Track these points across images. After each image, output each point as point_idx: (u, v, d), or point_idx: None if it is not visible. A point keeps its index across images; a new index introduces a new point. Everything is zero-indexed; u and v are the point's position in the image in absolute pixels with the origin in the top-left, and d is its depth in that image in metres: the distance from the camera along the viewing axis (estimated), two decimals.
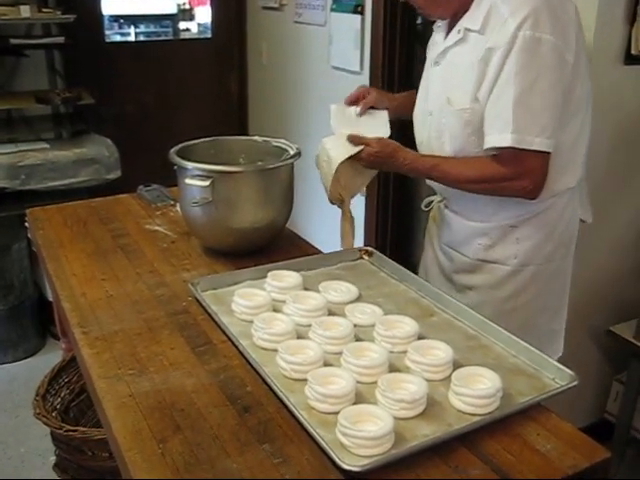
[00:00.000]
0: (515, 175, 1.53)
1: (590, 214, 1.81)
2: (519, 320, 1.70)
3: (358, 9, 3.03)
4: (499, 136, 1.50)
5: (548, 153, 1.51)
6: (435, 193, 1.85)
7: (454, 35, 1.61)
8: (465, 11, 1.58)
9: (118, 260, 1.71)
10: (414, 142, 1.79)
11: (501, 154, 1.53)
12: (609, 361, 2.57)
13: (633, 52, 2.06)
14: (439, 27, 1.73)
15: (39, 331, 3.39)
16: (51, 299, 2.25)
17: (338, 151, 1.69)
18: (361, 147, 1.67)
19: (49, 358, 3.14)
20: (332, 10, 3.22)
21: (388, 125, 1.78)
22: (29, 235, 2.03)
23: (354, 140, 1.69)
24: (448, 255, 1.81)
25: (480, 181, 1.59)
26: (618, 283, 2.43)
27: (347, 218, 1.82)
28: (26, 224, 2.04)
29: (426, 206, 1.89)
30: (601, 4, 1.97)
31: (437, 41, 1.71)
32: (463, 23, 1.58)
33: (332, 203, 1.80)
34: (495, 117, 1.51)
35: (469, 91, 1.55)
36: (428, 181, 1.80)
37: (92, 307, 1.46)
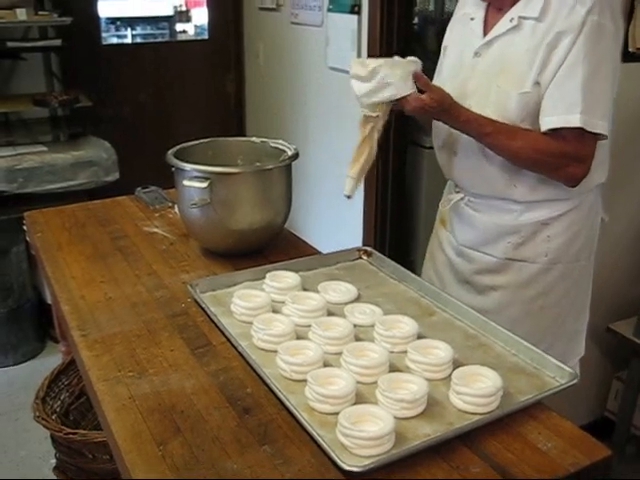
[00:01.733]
0: (576, 156, 1.53)
1: (606, 213, 1.80)
2: (548, 320, 1.70)
3: (355, 9, 3.02)
4: (567, 117, 1.50)
5: (605, 138, 1.54)
6: (454, 191, 1.79)
7: (505, 24, 1.59)
8: (512, 0, 1.59)
9: (117, 262, 1.71)
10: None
11: (565, 134, 1.52)
12: (609, 359, 2.57)
13: (630, 49, 2.06)
14: (472, 20, 1.70)
15: (38, 334, 3.39)
16: (50, 302, 2.25)
17: (400, 84, 1.52)
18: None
19: (48, 361, 3.14)
20: (329, 10, 3.22)
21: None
22: (27, 238, 2.02)
23: (420, 80, 1.52)
24: (467, 257, 1.76)
25: (540, 153, 1.55)
26: (618, 281, 2.43)
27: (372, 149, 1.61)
28: (24, 227, 2.04)
29: (443, 205, 1.83)
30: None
31: (476, 32, 1.67)
32: (517, 12, 1.57)
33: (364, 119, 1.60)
34: (561, 99, 1.51)
35: (529, 76, 1.54)
36: (448, 176, 1.78)
37: (91, 309, 1.46)
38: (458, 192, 1.77)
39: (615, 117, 2.14)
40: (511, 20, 1.58)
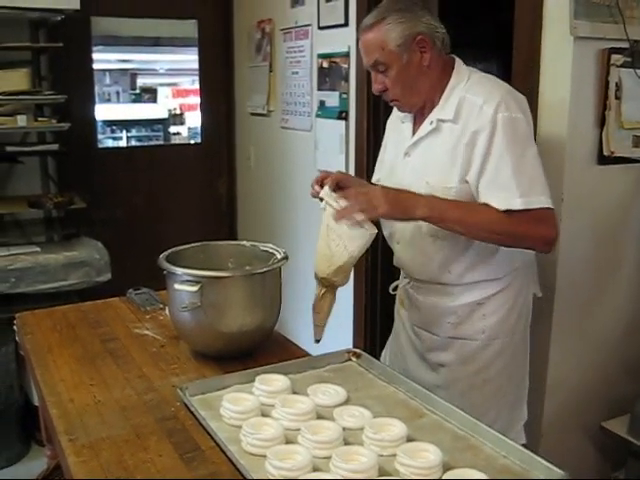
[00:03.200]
0: (535, 223, 1.62)
1: (539, 289, 1.95)
2: (491, 391, 1.83)
3: (342, 115, 3.15)
4: (508, 201, 1.60)
5: (551, 210, 1.64)
6: (399, 277, 1.97)
7: (426, 127, 1.76)
8: (432, 105, 1.75)
9: (107, 365, 1.71)
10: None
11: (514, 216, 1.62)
12: (605, 458, 2.54)
13: (605, 153, 2.15)
14: (403, 123, 1.87)
15: (23, 437, 3.30)
16: (37, 404, 2.23)
17: (354, 243, 1.65)
18: (374, 231, 1.65)
19: (33, 466, 3.05)
20: (317, 116, 3.35)
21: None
22: (17, 339, 2.03)
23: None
24: (419, 335, 1.90)
25: (503, 232, 1.64)
26: (608, 379, 2.43)
27: (332, 299, 1.79)
28: (14, 327, 2.04)
29: (393, 290, 2.01)
30: (571, 109, 2.08)
31: (405, 135, 1.85)
32: (435, 115, 1.74)
33: (321, 283, 1.77)
34: (498, 189, 1.63)
35: (454, 173, 1.68)
36: (395, 263, 1.93)
37: (79, 413, 1.46)
38: (405, 277, 1.93)
39: (592, 216, 2.23)
40: (431, 123, 1.75)
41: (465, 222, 1.64)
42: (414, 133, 1.82)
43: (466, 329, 1.81)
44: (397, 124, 1.92)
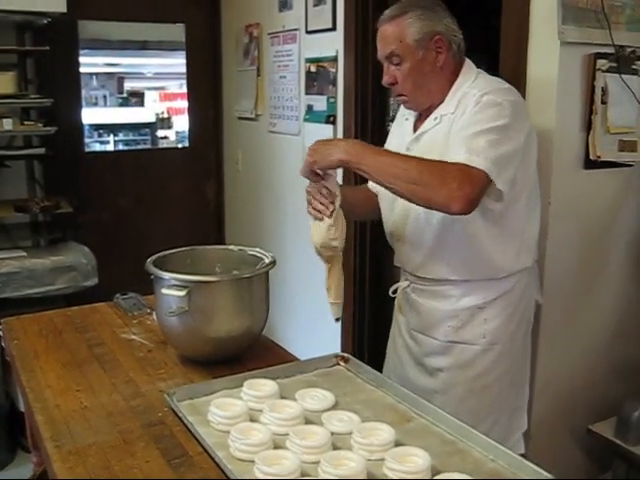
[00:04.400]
0: (455, 177, 1.53)
1: (541, 295, 1.96)
2: (489, 397, 1.82)
3: (330, 119, 3.16)
4: (453, 156, 1.58)
5: (488, 179, 1.56)
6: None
7: (430, 122, 1.78)
8: (440, 103, 1.76)
9: (93, 370, 1.70)
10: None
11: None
12: (592, 460, 2.55)
13: (591, 157, 2.16)
14: (407, 120, 1.89)
15: (9, 444, 3.27)
16: (23, 410, 2.21)
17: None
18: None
19: (19, 472, 3.03)
20: (305, 120, 3.36)
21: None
22: (3, 344, 2.01)
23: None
24: (417, 340, 1.89)
25: (422, 169, 1.56)
26: (595, 382, 2.44)
27: (339, 273, 1.78)
28: (0, 333, 2.02)
29: (393, 292, 1.97)
30: (558, 113, 2.09)
31: (407, 131, 1.86)
32: (439, 112, 1.76)
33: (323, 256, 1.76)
34: (452, 145, 1.63)
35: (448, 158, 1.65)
36: (396, 262, 1.93)
37: (66, 419, 1.44)
38: (406, 280, 1.91)
39: (580, 220, 2.24)
40: (435, 119, 1.76)
41: (380, 169, 1.58)
42: (415, 130, 1.83)
43: (466, 333, 1.80)
44: (401, 121, 1.93)
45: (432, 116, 1.78)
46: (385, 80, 1.78)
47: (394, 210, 1.86)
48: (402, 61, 1.73)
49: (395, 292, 1.97)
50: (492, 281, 1.77)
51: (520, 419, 1.91)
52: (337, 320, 1.79)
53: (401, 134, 1.90)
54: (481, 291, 1.77)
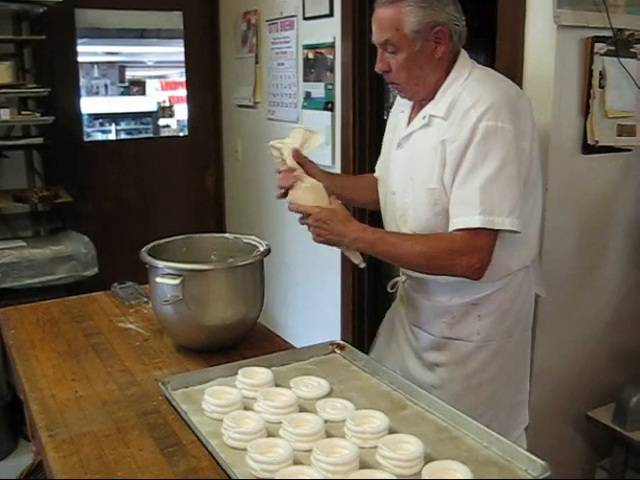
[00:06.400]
0: (462, 250, 1.57)
1: (544, 289, 1.91)
2: (486, 394, 1.78)
3: (328, 106, 3.14)
4: (467, 218, 1.56)
5: (517, 232, 1.59)
6: (399, 274, 1.91)
7: (419, 121, 1.71)
8: (431, 98, 1.68)
9: (89, 359, 1.70)
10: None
11: (457, 233, 1.59)
12: (591, 447, 2.55)
13: (589, 142, 2.15)
14: (402, 112, 1.82)
15: (11, 432, 3.29)
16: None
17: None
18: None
19: (21, 460, 3.03)
20: (303, 107, 3.34)
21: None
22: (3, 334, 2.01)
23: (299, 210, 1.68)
24: (415, 334, 1.86)
25: (425, 253, 1.61)
26: (593, 368, 2.44)
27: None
28: None
29: (392, 287, 1.95)
30: (556, 98, 2.07)
31: (401, 125, 1.80)
32: (428, 110, 1.68)
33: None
34: (461, 202, 1.58)
35: (436, 171, 1.63)
36: None
37: (61, 409, 1.45)
38: (403, 274, 1.88)
39: (579, 205, 2.23)
40: (423, 118, 1.69)
41: (391, 256, 1.67)
42: (409, 123, 1.77)
43: (461, 330, 1.75)
44: (397, 112, 1.87)
45: (421, 114, 1.70)
46: (378, 67, 1.69)
47: (389, 203, 1.83)
48: (397, 51, 1.63)
49: (393, 287, 1.94)
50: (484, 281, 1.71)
51: (520, 415, 1.87)
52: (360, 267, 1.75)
53: (396, 127, 1.85)
54: (474, 288, 1.71)
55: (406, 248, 1.64)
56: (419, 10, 1.59)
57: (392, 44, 1.63)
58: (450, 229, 1.60)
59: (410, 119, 1.77)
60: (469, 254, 1.57)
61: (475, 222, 1.55)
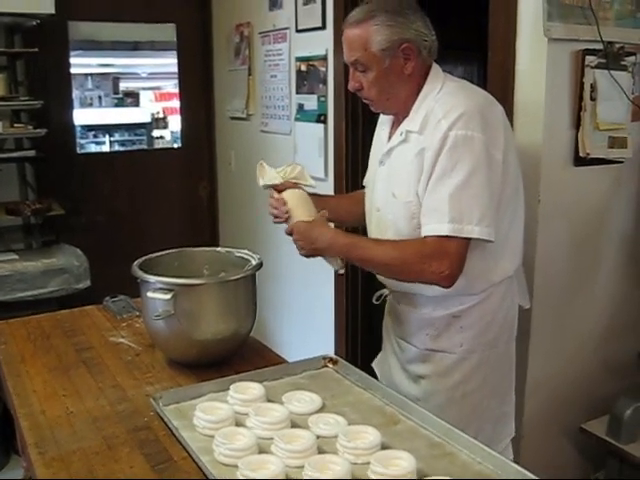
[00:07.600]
0: (432, 255, 1.57)
1: (528, 300, 1.91)
2: (470, 406, 1.77)
3: (321, 118, 3.14)
4: (437, 225, 1.57)
5: (489, 241, 1.59)
6: (380, 284, 1.91)
7: (397, 137, 1.72)
8: (405, 115, 1.70)
9: (80, 375, 1.69)
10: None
11: (428, 238, 1.60)
12: (585, 459, 2.54)
13: (581, 154, 2.15)
14: (383, 129, 1.84)
15: (3, 447, 3.26)
16: None
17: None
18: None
19: (13, 475, 3.02)
20: (296, 119, 3.34)
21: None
22: None
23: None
24: (401, 346, 1.86)
25: (396, 257, 1.63)
26: (587, 380, 2.43)
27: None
28: None
29: (377, 299, 1.95)
30: (547, 110, 2.08)
31: (382, 141, 1.82)
32: (404, 126, 1.70)
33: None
34: (432, 209, 1.59)
35: (412, 185, 1.65)
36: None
37: (51, 425, 1.44)
38: (386, 287, 1.89)
39: (571, 217, 2.23)
40: (401, 134, 1.71)
41: (365, 261, 1.71)
42: (389, 139, 1.78)
43: (444, 341, 1.75)
44: (380, 129, 1.88)
45: (399, 130, 1.72)
46: (351, 85, 1.71)
47: (373, 219, 1.84)
48: (367, 69, 1.65)
49: (378, 299, 1.95)
50: (467, 294, 1.72)
51: (506, 426, 1.86)
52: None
53: (378, 143, 1.87)
54: (457, 300, 1.71)
55: (379, 252, 1.66)
56: (386, 29, 1.62)
57: (361, 63, 1.66)
58: (422, 234, 1.62)
59: (390, 135, 1.79)
60: (439, 259, 1.56)
61: (444, 230, 1.55)
